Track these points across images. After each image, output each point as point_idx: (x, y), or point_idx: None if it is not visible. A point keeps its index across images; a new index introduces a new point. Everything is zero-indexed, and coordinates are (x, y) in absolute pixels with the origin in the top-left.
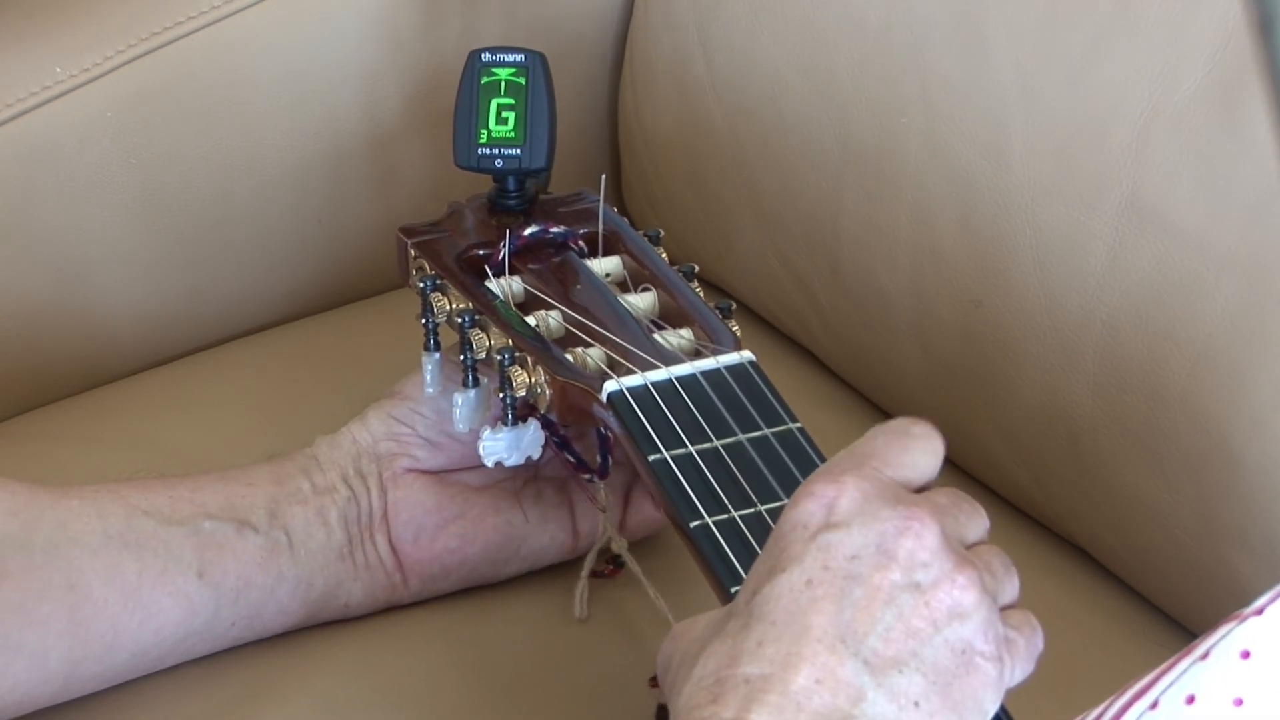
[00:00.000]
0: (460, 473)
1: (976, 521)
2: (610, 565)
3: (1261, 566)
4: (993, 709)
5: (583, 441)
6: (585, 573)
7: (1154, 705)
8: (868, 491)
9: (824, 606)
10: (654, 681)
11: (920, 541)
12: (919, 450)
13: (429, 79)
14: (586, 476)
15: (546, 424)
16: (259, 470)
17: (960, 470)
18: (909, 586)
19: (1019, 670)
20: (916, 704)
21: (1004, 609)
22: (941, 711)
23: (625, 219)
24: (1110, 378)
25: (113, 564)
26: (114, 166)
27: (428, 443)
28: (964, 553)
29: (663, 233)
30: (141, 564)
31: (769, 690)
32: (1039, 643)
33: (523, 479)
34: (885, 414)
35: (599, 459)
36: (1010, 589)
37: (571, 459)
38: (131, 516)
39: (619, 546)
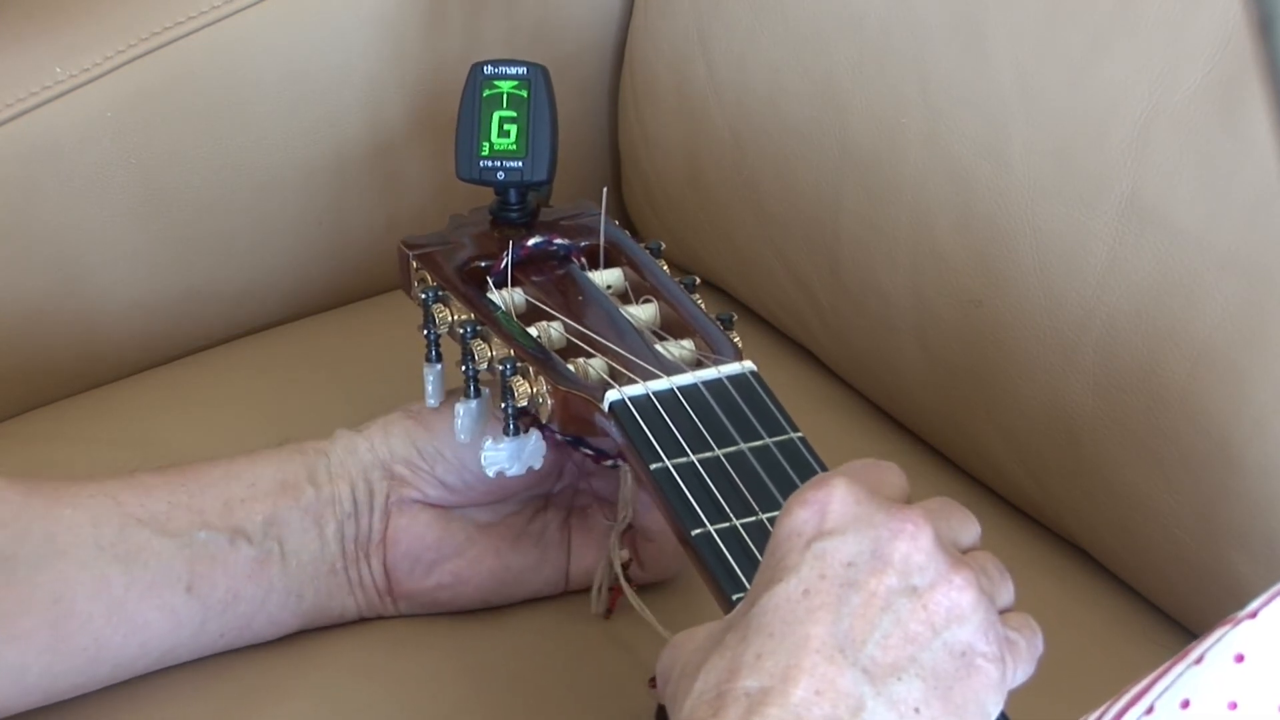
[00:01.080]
0: (467, 508)
1: (968, 526)
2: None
3: (1261, 567)
4: (995, 711)
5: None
6: (603, 568)
7: (1149, 710)
8: (860, 495)
9: (821, 616)
10: (654, 682)
11: (915, 544)
12: (888, 470)
13: (430, 81)
14: (610, 463)
15: (550, 431)
16: (265, 467)
17: (960, 470)
18: (905, 591)
19: (1020, 671)
20: (917, 710)
21: (1001, 613)
22: (943, 716)
23: (626, 231)
24: (1110, 378)
25: (100, 577)
26: (114, 166)
27: (441, 484)
28: (959, 555)
29: (664, 245)
30: (130, 577)
31: (769, 703)
32: (1039, 644)
33: (529, 514)
34: (885, 414)
35: (580, 449)
36: (1006, 593)
37: (590, 451)
38: (125, 526)
39: (621, 558)
